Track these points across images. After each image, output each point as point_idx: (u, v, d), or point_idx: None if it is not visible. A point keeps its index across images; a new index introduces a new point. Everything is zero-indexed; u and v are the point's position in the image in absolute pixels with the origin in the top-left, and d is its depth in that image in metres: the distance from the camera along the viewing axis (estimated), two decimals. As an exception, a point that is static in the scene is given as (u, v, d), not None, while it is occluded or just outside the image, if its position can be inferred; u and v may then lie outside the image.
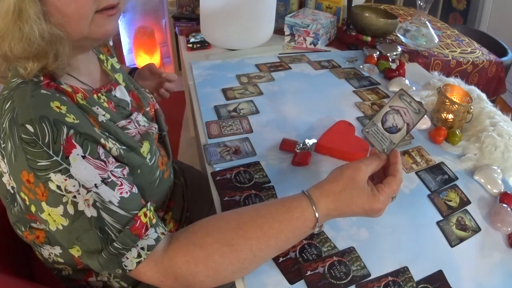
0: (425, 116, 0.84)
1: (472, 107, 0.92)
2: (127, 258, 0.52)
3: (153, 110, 0.82)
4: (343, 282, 0.59)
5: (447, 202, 0.74)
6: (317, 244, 0.64)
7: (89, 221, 0.51)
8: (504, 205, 0.72)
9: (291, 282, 0.58)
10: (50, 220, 0.52)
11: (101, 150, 0.55)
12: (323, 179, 0.59)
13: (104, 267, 0.52)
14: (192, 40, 1.38)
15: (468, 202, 0.75)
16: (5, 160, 0.53)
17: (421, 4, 1.33)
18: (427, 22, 1.36)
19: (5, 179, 0.57)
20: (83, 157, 0.52)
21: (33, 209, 0.53)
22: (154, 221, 0.56)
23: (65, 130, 0.51)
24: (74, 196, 0.51)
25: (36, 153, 0.50)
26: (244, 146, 0.85)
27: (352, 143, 0.85)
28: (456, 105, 0.90)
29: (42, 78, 0.56)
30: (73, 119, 0.53)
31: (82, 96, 0.60)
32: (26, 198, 0.53)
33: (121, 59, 2.72)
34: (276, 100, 1.04)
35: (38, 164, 0.50)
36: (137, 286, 0.72)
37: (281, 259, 0.61)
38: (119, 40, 2.65)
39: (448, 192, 0.77)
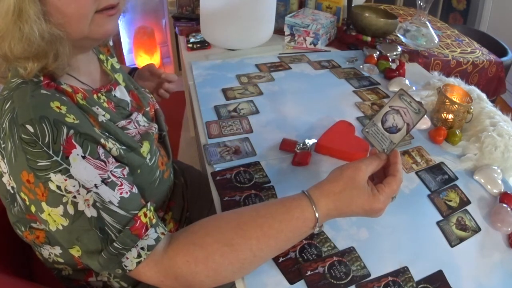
0: (425, 116, 0.84)
1: (472, 107, 0.92)
2: (127, 258, 0.52)
3: (153, 110, 0.82)
4: (343, 282, 0.59)
5: (447, 202, 0.74)
6: (317, 244, 0.64)
7: (89, 221, 0.51)
8: (504, 205, 0.72)
9: (291, 282, 0.59)
10: (50, 220, 0.52)
11: (101, 150, 0.55)
12: (323, 179, 0.59)
13: (104, 267, 0.52)
14: (192, 40, 1.38)
15: (468, 202, 0.75)
16: (5, 160, 0.53)
17: (421, 4, 1.33)
18: (427, 22, 1.36)
19: (5, 179, 0.57)
20: (83, 157, 0.52)
21: (33, 209, 0.53)
22: (154, 221, 0.56)
23: (65, 130, 0.51)
24: (74, 196, 0.51)
25: (36, 153, 0.50)
26: (244, 146, 0.85)
27: (352, 143, 0.85)
28: (456, 105, 0.90)
29: (42, 78, 0.56)
30: (73, 119, 0.53)
31: (82, 96, 0.60)
32: (26, 198, 0.53)
33: (121, 59, 2.72)
34: (276, 100, 1.04)
35: (38, 164, 0.50)
36: (137, 286, 0.72)
37: (281, 259, 0.61)
38: (119, 40, 2.65)
39: (448, 192, 0.77)
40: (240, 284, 0.59)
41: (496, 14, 2.75)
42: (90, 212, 0.51)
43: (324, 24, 1.35)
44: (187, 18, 1.63)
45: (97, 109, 0.61)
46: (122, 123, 0.66)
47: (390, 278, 0.60)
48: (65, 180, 0.50)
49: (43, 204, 0.51)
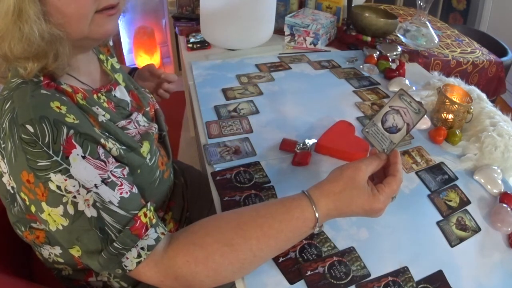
0: (425, 116, 0.84)
1: (472, 107, 0.92)
2: (127, 258, 0.52)
3: (153, 110, 0.82)
4: (343, 282, 0.59)
5: (447, 202, 0.74)
6: (317, 244, 0.64)
7: (89, 221, 0.51)
8: (504, 205, 0.72)
9: (291, 282, 0.58)
10: (50, 220, 0.52)
11: (101, 150, 0.55)
12: (323, 179, 0.59)
13: (104, 267, 0.52)
14: (192, 40, 1.38)
15: (468, 202, 0.75)
16: (5, 160, 0.53)
17: (421, 4, 1.33)
18: (427, 22, 1.36)
19: (5, 179, 0.57)
20: (83, 157, 0.52)
21: (33, 209, 0.53)
22: (154, 221, 0.56)
23: (65, 130, 0.51)
24: (74, 196, 0.51)
25: (36, 153, 0.50)
26: (244, 146, 0.85)
27: (352, 143, 0.85)
28: (456, 105, 0.90)
29: (42, 78, 0.56)
30: (73, 119, 0.53)
31: (82, 96, 0.60)
32: (26, 198, 0.53)
33: (121, 59, 2.72)
34: (276, 100, 1.04)
35: (38, 164, 0.50)
36: (137, 286, 0.72)
37: (281, 259, 0.61)
38: (119, 40, 2.65)
39: (448, 192, 0.77)
40: (240, 284, 0.59)
41: (496, 14, 2.75)
42: (90, 212, 0.51)
43: (324, 24, 1.35)
44: (187, 18, 1.63)
45: (97, 109, 0.61)
46: (122, 123, 0.66)
47: (390, 278, 0.60)
48: (65, 180, 0.50)
49: (43, 204, 0.51)
